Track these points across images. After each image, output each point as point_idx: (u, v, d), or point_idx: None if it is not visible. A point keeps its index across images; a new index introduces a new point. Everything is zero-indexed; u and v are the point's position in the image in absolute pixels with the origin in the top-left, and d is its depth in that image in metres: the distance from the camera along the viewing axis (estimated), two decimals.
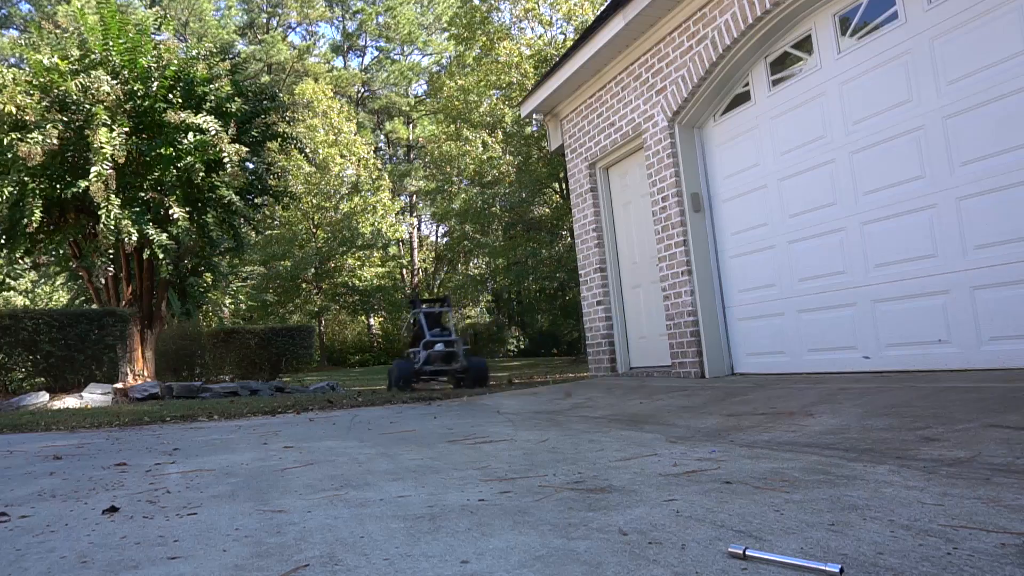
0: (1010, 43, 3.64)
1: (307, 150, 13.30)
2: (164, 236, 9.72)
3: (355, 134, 28.62)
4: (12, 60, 19.53)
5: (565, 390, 6.06)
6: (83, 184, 8.99)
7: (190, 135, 9.57)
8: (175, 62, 10.26)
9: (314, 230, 27.44)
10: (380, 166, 30.61)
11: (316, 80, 31.67)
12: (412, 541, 1.61)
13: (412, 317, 9.66)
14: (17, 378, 9.01)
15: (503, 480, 2.30)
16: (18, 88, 9.22)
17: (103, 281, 11.60)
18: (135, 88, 9.74)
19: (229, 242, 11.78)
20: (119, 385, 9.43)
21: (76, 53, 10.23)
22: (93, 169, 8.92)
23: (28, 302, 22.85)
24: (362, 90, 39.11)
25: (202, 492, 2.40)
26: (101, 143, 8.94)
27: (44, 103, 9.35)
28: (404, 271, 33.72)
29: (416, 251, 34.76)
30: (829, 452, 2.40)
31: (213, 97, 10.23)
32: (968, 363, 3.90)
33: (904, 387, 3.55)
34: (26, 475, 3.00)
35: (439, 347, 8.11)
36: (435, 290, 33.06)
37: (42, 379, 9.13)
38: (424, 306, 9.20)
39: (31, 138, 8.86)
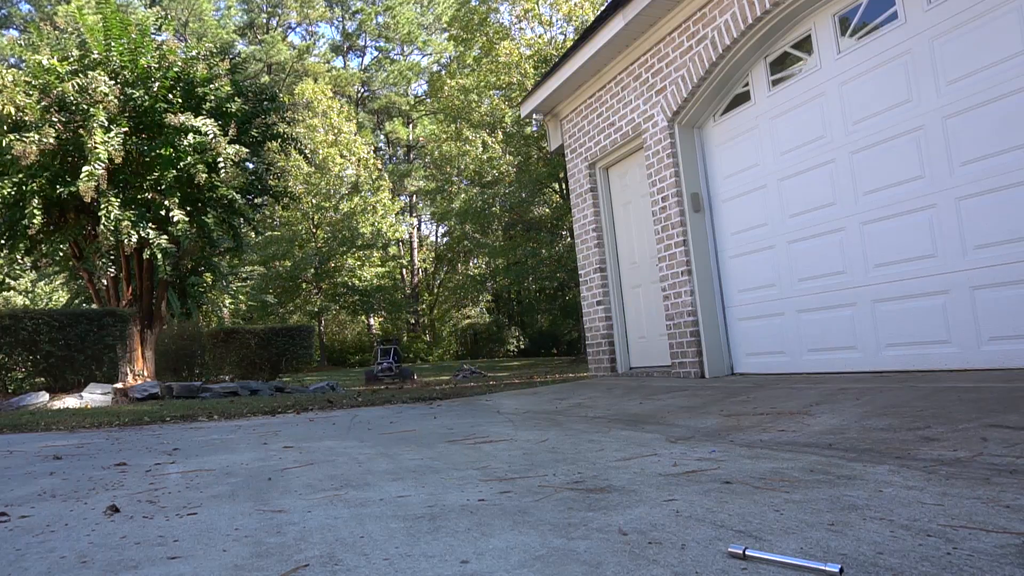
0: (1010, 43, 3.64)
1: (307, 151, 13.31)
2: (164, 238, 9.72)
3: (355, 134, 28.63)
4: (12, 60, 19.53)
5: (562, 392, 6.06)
6: (78, 184, 8.99)
7: (190, 136, 9.57)
8: (177, 64, 10.27)
9: (314, 230, 27.44)
10: (380, 166, 30.62)
11: (316, 80, 31.69)
12: (412, 541, 1.61)
13: (376, 349, 18.41)
14: (17, 378, 9.02)
15: (503, 480, 2.30)
16: (17, 88, 9.23)
17: (103, 282, 11.60)
18: (135, 90, 9.74)
19: (229, 242, 11.79)
20: (119, 385, 9.44)
21: (76, 53, 10.24)
22: (85, 169, 8.92)
23: (28, 302, 22.85)
24: (362, 90, 39.12)
25: (202, 492, 2.40)
26: (96, 144, 8.94)
27: (43, 103, 9.35)
28: (404, 271, 33.74)
29: (416, 251, 34.77)
30: (829, 452, 2.40)
31: (213, 97, 10.24)
32: (968, 363, 3.90)
33: (904, 387, 3.55)
34: (26, 475, 3.00)
35: (384, 365, 15.57)
36: (435, 290, 33.19)
37: (42, 379, 9.13)
38: (381, 344, 18.02)
39: (26, 137, 8.86)
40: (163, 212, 9.91)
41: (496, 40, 20.49)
